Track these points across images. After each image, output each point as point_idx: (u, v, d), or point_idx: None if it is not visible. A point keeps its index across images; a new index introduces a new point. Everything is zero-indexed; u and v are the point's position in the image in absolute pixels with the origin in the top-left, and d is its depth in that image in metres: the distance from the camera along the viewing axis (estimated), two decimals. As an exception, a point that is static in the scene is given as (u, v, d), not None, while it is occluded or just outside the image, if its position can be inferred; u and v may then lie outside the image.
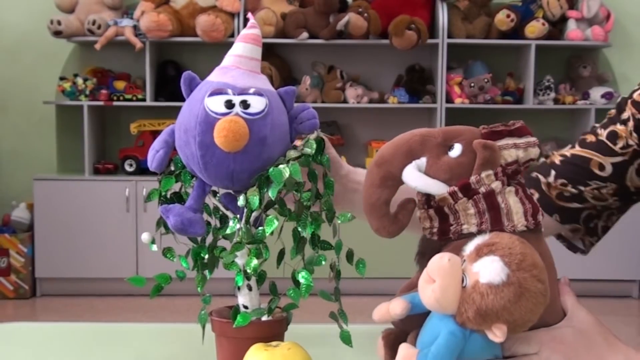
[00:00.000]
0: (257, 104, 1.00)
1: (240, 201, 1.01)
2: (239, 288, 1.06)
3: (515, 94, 5.13)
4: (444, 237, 0.91)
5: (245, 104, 0.99)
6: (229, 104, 0.98)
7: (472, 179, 0.88)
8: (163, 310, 4.48)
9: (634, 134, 1.13)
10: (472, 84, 5.01)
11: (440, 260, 0.82)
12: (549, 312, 0.91)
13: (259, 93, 1.01)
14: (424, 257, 0.94)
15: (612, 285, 5.06)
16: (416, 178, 0.90)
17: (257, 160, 1.01)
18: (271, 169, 0.99)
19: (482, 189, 0.88)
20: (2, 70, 5.37)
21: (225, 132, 0.96)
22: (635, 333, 4.50)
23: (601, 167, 1.15)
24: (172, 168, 1.07)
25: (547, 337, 0.88)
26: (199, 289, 1.08)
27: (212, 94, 0.99)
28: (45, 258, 4.96)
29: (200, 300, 1.10)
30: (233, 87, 1.00)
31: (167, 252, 1.09)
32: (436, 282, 0.81)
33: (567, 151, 1.20)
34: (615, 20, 5.20)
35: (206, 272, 1.08)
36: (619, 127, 1.15)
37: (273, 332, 1.07)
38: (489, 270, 0.81)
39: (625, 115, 1.15)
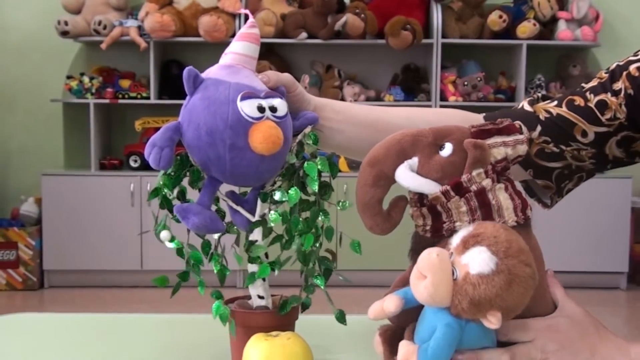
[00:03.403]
0: (282, 107, 1.00)
1: (278, 196, 1.01)
2: (254, 281, 1.05)
3: (507, 92, 5.13)
4: (437, 234, 0.91)
5: (273, 108, 0.99)
6: (260, 108, 0.98)
7: (464, 177, 0.88)
8: (167, 302, 4.47)
9: (624, 108, 1.09)
10: (466, 83, 5.01)
11: (429, 256, 0.82)
12: (539, 303, 0.91)
13: (279, 96, 1.01)
14: (417, 253, 0.94)
15: (601, 277, 5.07)
16: (409, 178, 0.89)
17: (281, 160, 1.02)
18: (306, 164, 1.01)
19: (474, 187, 0.88)
20: (11, 69, 5.37)
21: (273, 139, 0.96)
22: (622, 324, 4.51)
23: (584, 133, 1.12)
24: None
25: (542, 325, 0.89)
26: (220, 283, 1.07)
27: (244, 98, 0.98)
28: (53, 251, 4.97)
29: (211, 295, 1.09)
30: (258, 90, 1.00)
31: (178, 250, 1.08)
32: (427, 278, 0.81)
33: (553, 108, 1.15)
34: (604, 20, 5.19)
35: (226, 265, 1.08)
36: (609, 98, 1.11)
37: (290, 321, 1.08)
38: (478, 261, 0.81)
39: (617, 85, 1.10)
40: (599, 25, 5.11)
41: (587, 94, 1.14)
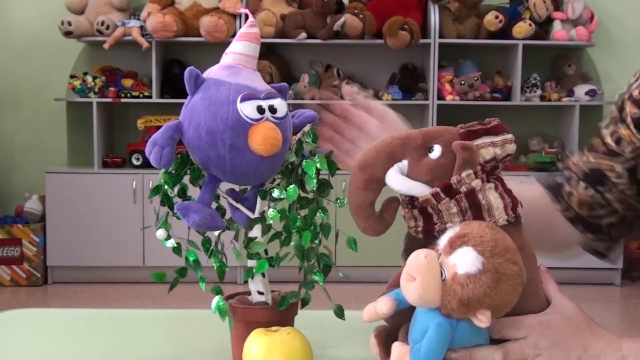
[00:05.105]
0: (282, 108, 1.00)
1: (276, 194, 1.02)
2: (252, 276, 1.06)
3: (504, 92, 5.13)
4: (428, 235, 0.90)
5: (272, 109, 0.99)
6: (260, 109, 0.98)
7: (453, 179, 0.88)
8: (168, 297, 4.47)
9: (637, 133, 1.08)
10: (463, 82, 5.01)
11: (417, 258, 0.82)
12: (532, 300, 0.90)
13: (279, 96, 1.01)
14: (410, 253, 0.94)
15: (596, 273, 5.07)
16: (399, 182, 0.89)
17: (280, 159, 1.02)
18: (304, 163, 1.01)
19: (463, 188, 0.88)
20: (16, 68, 5.36)
21: (272, 140, 0.96)
22: (617, 319, 4.51)
23: (615, 172, 1.11)
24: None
25: (535, 322, 0.88)
26: (219, 279, 1.07)
27: (244, 99, 0.98)
28: (57, 247, 4.97)
29: (211, 290, 1.09)
30: (258, 90, 1.00)
31: (175, 248, 1.08)
32: (416, 279, 0.81)
33: (581, 160, 1.15)
34: (599, 21, 5.20)
35: (224, 261, 1.08)
36: (622, 132, 1.10)
37: (289, 316, 1.08)
38: (465, 261, 0.80)
39: (625, 114, 1.10)
40: (594, 25, 5.12)
41: (605, 135, 1.14)
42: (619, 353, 0.88)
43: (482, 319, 0.81)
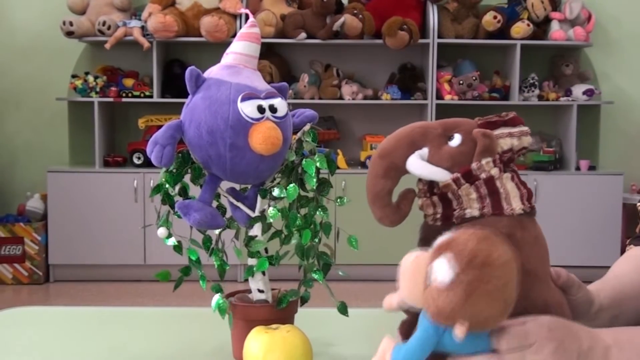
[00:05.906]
0: (282, 107, 1.00)
1: (276, 193, 1.02)
2: (252, 274, 1.06)
3: (502, 91, 5.13)
4: (447, 222, 0.91)
5: (273, 109, 0.99)
6: (260, 109, 0.98)
7: (474, 165, 0.89)
8: (169, 295, 4.48)
9: None
10: (461, 82, 5.01)
11: (406, 260, 0.80)
12: (544, 290, 0.90)
13: (279, 96, 1.01)
14: (427, 243, 0.91)
15: (594, 271, 5.05)
16: (421, 166, 0.90)
17: (280, 159, 1.02)
18: (304, 162, 1.02)
19: (483, 175, 0.89)
20: (17, 68, 5.36)
21: (272, 140, 0.97)
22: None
23: None
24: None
25: (537, 326, 0.86)
26: (220, 277, 1.07)
27: (245, 99, 0.98)
28: (58, 246, 4.97)
29: (211, 289, 1.09)
30: (258, 90, 1.00)
31: (175, 246, 1.08)
32: (400, 282, 0.80)
33: None
34: (596, 21, 5.19)
35: (225, 259, 1.08)
36: None
37: (289, 314, 1.08)
38: (439, 271, 0.76)
39: None
40: (591, 25, 5.12)
41: None
42: (603, 343, 0.86)
43: (457, 333, 0.75)
